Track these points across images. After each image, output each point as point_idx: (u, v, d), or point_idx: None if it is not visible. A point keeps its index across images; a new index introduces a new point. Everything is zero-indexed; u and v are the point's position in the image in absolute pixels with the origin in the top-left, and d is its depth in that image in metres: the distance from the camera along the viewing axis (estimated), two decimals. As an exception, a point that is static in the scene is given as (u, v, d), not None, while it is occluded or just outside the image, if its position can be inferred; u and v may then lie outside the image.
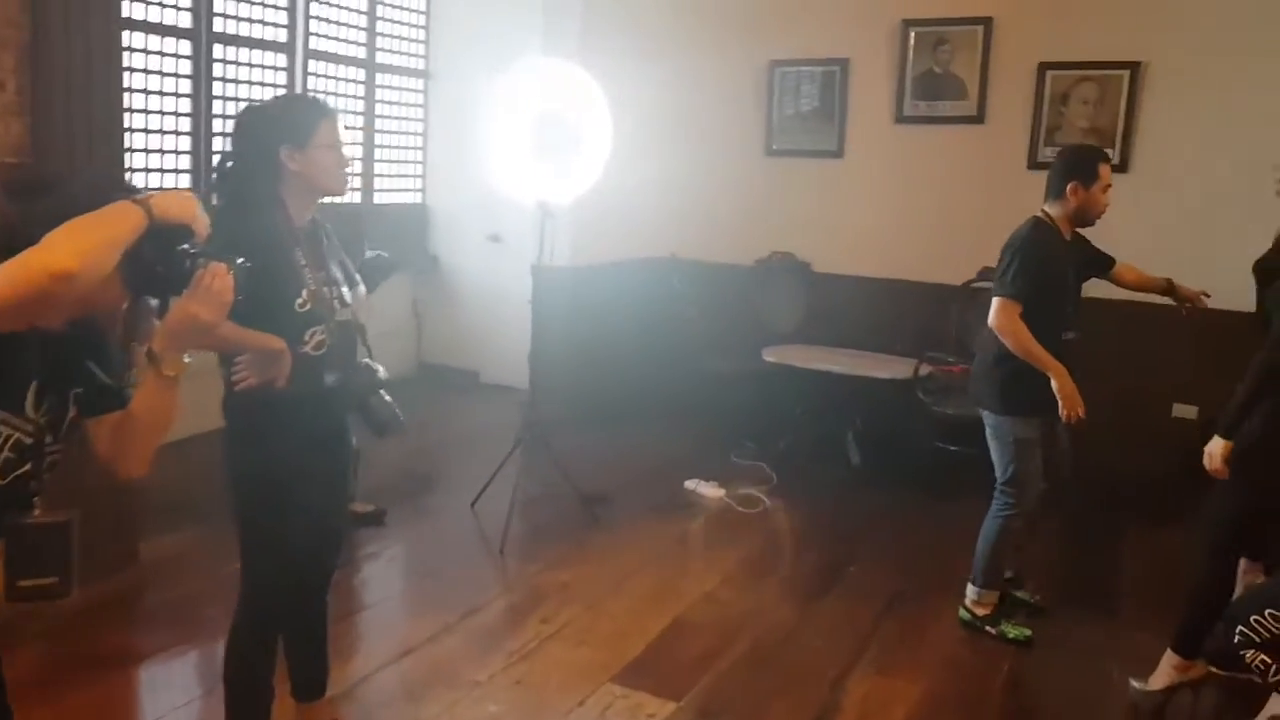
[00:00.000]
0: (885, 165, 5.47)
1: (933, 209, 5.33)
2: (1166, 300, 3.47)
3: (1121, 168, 4.91)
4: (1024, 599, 3.54)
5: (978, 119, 5.20)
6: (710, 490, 4.55)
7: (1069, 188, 3.15)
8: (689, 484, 4.61)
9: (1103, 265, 3.40)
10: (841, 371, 4.83)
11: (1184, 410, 4.91)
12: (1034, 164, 5.01)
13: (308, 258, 2.05)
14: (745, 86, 5.75)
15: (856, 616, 3.46)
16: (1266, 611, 1.95)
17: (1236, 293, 3.36)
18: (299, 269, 2.01)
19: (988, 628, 3.30)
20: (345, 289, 2.15)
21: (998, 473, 3.26)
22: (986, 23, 5.11)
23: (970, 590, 3.36)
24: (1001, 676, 3.10)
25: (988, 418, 3.24)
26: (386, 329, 5.00)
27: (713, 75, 5.77)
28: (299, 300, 2.00)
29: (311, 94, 4.90)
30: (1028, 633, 3.26)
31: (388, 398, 2.36)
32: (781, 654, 3.19)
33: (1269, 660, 1.95)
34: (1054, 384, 3.02)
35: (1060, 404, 3.02)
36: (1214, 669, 2.97)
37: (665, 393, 5.67)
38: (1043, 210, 3.23)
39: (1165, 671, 2.91)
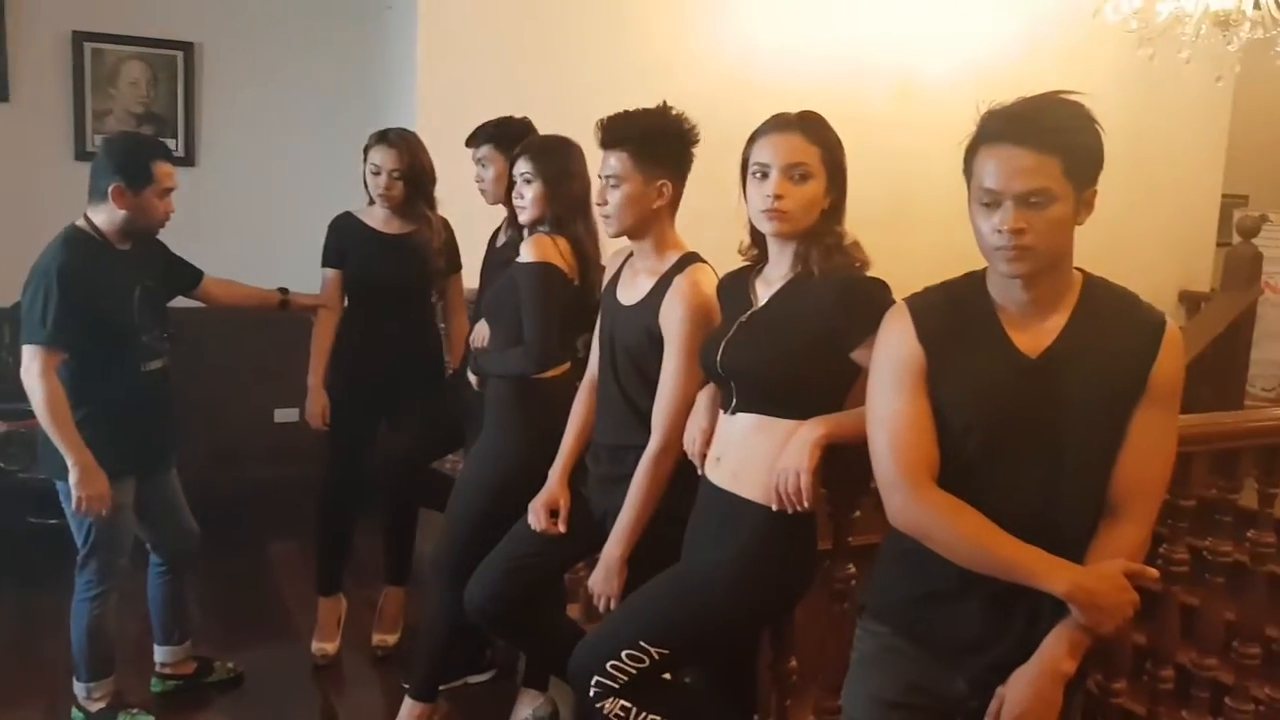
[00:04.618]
0: None
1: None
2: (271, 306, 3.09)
3: (188, 161, 4.40)
4: (220, 677, 2.98)
5: (0, 96, 4.05)
6: None
7: (112, 190, 2.50)
8: None
9: (187, 281, 2.87)
10: None
11: (285, 415, 4.73)
12: (83, 154, 4.14)
13: None
14: None
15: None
16: (623, 654, 1.82)
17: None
18: None
19: None
20: None
21: (78, 546, 2.61)
22: (-6, -27, 3.98)
23: (78, 687, 2.69)
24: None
25: (60, 486, 2.53)
26: None
27: None
28: None
29: None
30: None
31: None
32: None
33: (629, 705, 1.83)
34: (72, 476, 2.45)
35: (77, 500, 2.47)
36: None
37: None
38: (85, 217, 2.55)
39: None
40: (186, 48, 4.32)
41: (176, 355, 2.80)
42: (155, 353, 2.68)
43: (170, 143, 4.28)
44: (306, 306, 3.11)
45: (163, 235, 2.76)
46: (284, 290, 3.08)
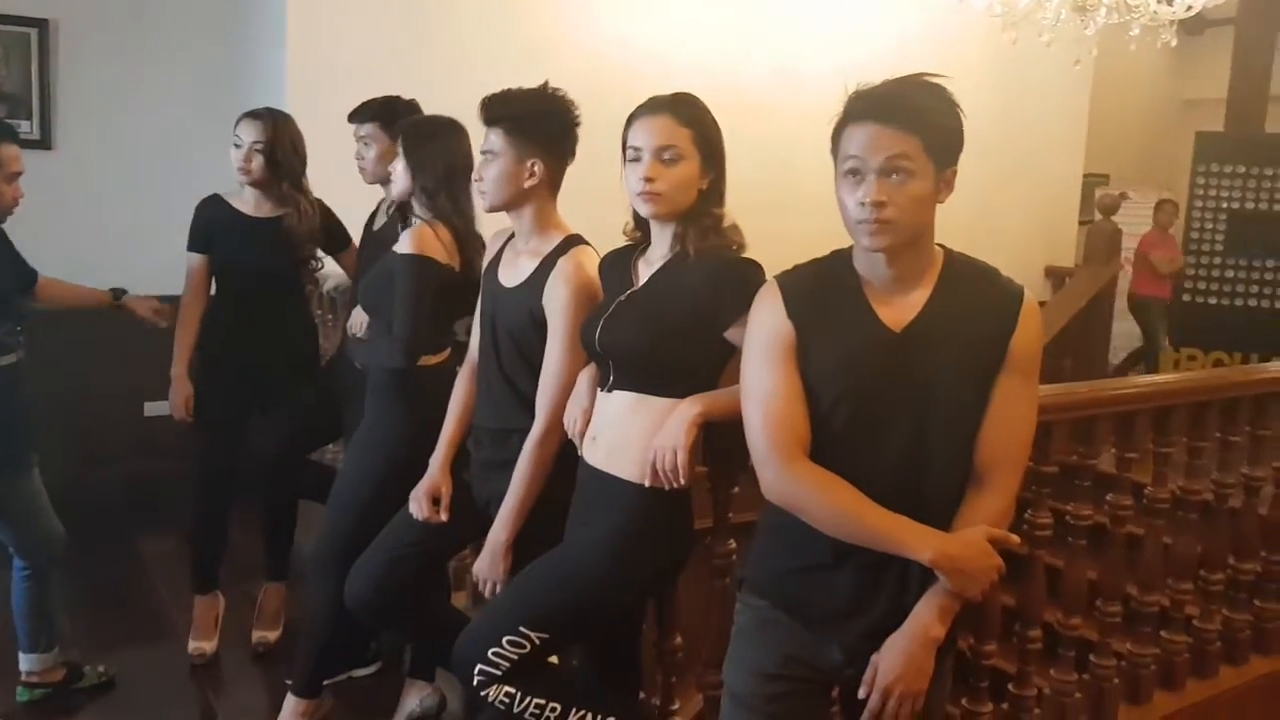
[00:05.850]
0: None
1: None
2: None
3: (44, 144, 4.17)
4: (91, 682, 2.84)
5: None
6: None
7: None
8: None
9: (21, 283, 2.69)
10: None
11: (156, 408, 4.54)
12: (-76, 136, 3.87)
13: None
14: None
15: None
16: (505, 640, 1.80)
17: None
18: None
19: None
20: None
21: None
22: None
23: None
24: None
25: None
26: None
27: None
28: None
29: None
30: None
31: None
32: None
33: (514, 691, 1.81)
34: None
35: None
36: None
37: None
38: None
39: (291, 721, 2.56)
40: (41, 24, 4.08)
41: (34, 348, 2.65)
42: (6, 347, 2.54)
43: (24, 125, 4.06)
44: (142, 316, 2.91)
45: (20, 223, 2.61)
46: (117, 292, 2.91)
